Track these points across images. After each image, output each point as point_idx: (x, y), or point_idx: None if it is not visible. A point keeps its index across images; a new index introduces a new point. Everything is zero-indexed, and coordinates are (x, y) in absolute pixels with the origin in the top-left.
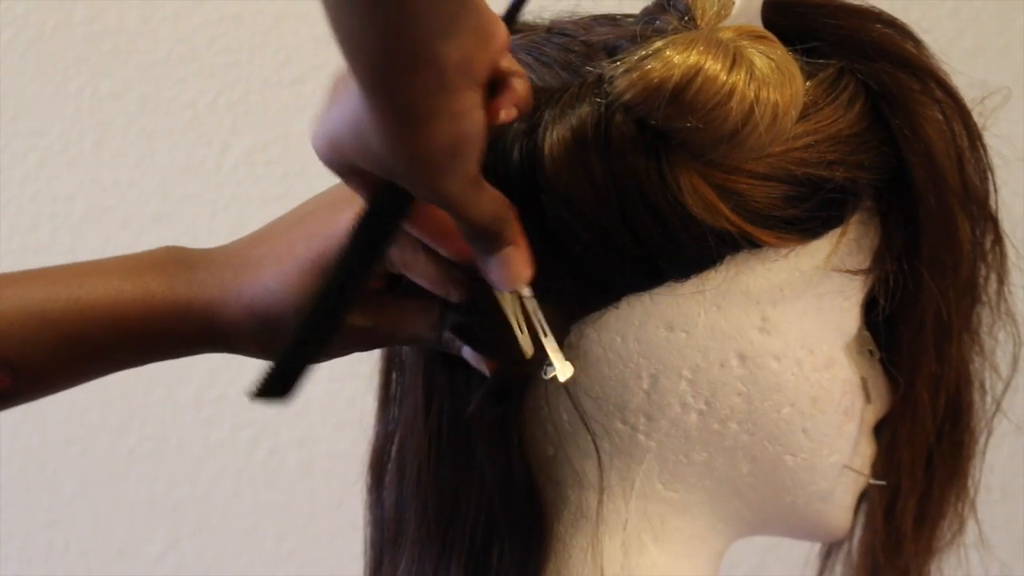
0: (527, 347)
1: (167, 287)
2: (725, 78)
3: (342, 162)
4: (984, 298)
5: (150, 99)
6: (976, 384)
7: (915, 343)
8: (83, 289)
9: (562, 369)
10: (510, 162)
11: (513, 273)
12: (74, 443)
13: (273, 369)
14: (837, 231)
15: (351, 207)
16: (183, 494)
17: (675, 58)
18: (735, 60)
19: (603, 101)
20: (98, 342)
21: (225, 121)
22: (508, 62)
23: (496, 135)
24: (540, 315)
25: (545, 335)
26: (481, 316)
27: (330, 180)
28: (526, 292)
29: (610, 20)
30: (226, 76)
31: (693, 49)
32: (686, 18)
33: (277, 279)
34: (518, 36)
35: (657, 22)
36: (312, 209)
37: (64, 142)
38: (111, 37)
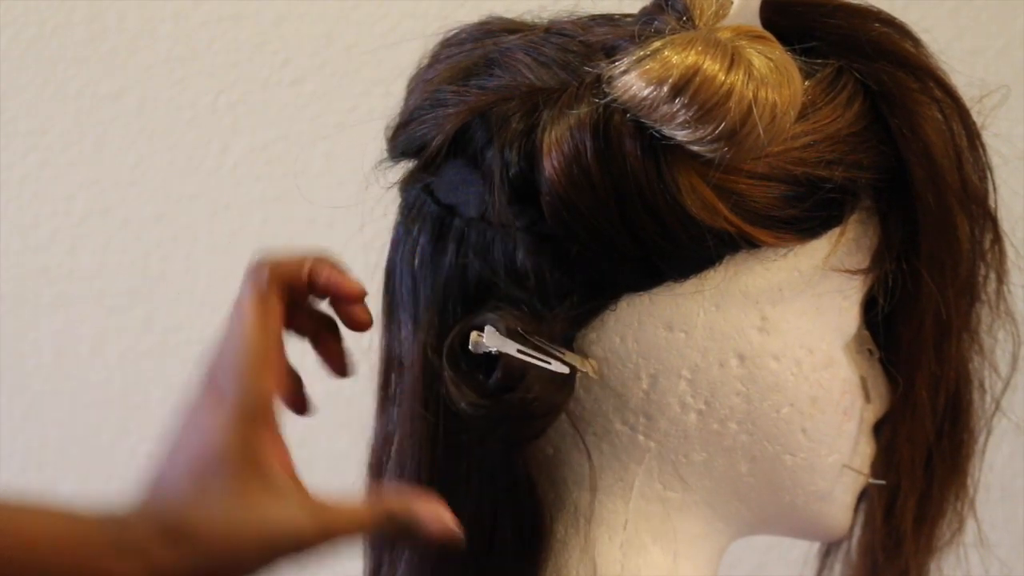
0: (564, 369)
1: (102, 532)
2: (723, 78)
3: None
4: (983, 297)
5: (150, 99)
6: (975, 383)
7: (914, 342)
8: (28, 520)
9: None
10: (509, 162)
11: (442, 525)
12: (74, 443)
13: None
14: (836, 231)
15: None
16: None
17: (673, 58)
18: (733, 60)
19: (601, 101)
20: (38, 572)
21: (225, 121)
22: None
23: (494, 137)
24: (545, 345)
25: (563, 354)
26: (517, 381)
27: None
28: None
29: (608, 20)
30: (226, 76)
31: (691, 49)
32: (684, 18)
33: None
34: (517, 36)
35: (655, 22)
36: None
37: (64, 142)
38: (111, 37)
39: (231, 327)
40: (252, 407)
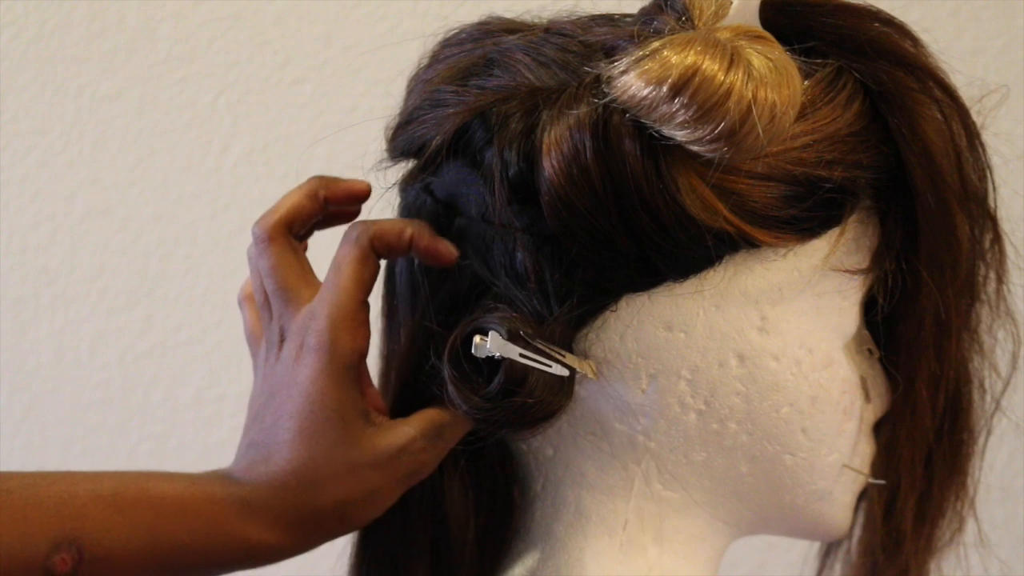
0: (565, 372)
1: (226, 490)
2: (723, 78)
3: None
4: (983, 297)
5: (150, 99)
6: (975, 383)
7: (914, 342)
8: (151, 482)
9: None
10: (508, 163)
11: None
12: (74, 443)
13: None
14: (836, 231)
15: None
16: None
17: (673, 58)
18: (733, 60)
19: (601, 101)
20: (169, 536)
21: (225, 121)
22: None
23: (493, 137)
24: (546, 347)
25: (563, 356)
26: (519, 385)
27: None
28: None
29: (608, 20)
30: (226, 76)
31: (691, 49)
32: (684, 18)
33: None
34: (517, 36)
35: (655, 22)
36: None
37: (64, 142)
38: (111, 37)
39: (328, 283)
40: (346, 362)
